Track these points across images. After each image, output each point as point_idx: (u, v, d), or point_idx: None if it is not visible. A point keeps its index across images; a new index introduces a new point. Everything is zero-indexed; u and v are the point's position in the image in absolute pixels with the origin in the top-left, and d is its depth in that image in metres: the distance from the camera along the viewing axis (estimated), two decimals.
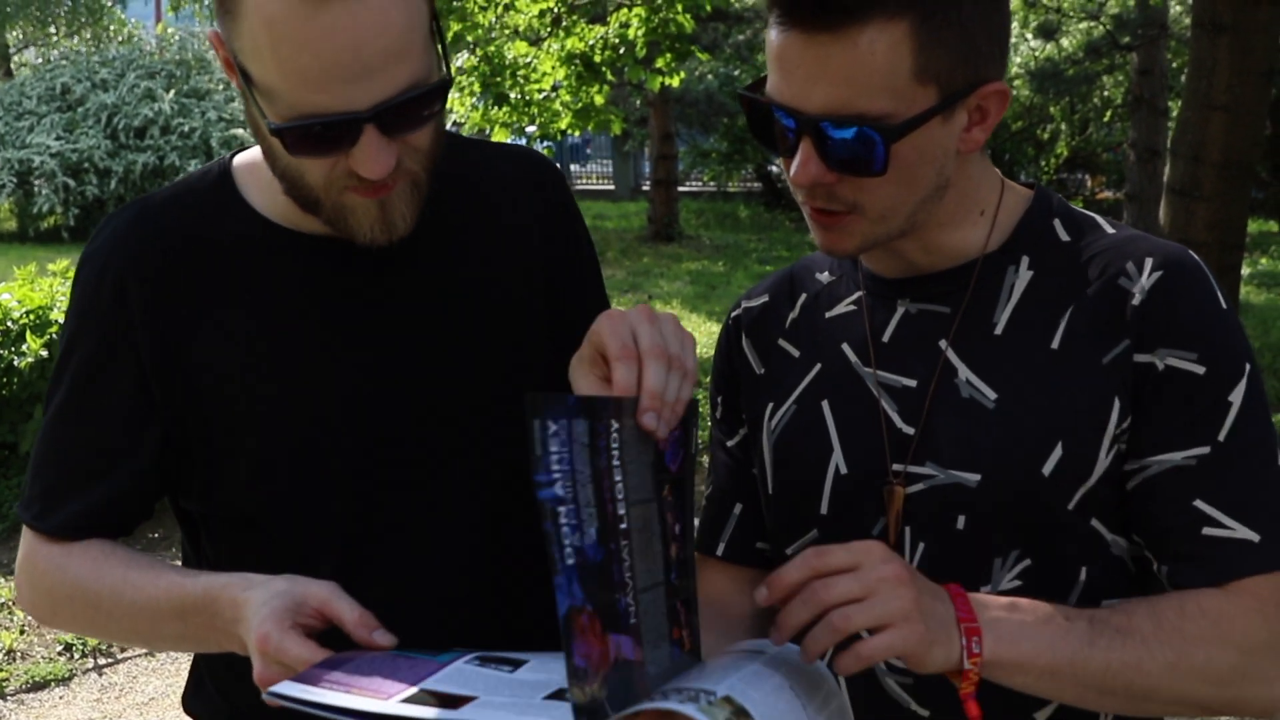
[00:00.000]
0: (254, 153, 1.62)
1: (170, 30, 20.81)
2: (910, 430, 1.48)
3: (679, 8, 9.96)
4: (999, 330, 1.47)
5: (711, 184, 24.54)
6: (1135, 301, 1.40)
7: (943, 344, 1.48)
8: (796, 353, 1.60)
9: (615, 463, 1.29)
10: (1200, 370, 1.38)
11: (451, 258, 1.63)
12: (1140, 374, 1.40)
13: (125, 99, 19.74)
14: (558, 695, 1.26)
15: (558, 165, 1.84)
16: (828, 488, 1.53)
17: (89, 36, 29.70)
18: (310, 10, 1.30)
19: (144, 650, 5.34)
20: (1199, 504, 1.38)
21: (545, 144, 11.77)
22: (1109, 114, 19.23)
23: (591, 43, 10.56)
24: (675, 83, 10.49)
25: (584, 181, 30.12)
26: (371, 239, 1.49)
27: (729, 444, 1.69)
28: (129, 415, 1.57)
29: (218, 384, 1.55)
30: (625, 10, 10.47)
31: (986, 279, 1.49)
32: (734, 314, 1.69)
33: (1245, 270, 14.44)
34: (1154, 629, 1.33)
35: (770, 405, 1.60)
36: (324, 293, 1.57)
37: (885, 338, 1.53)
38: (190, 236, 1.57)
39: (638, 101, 21.95)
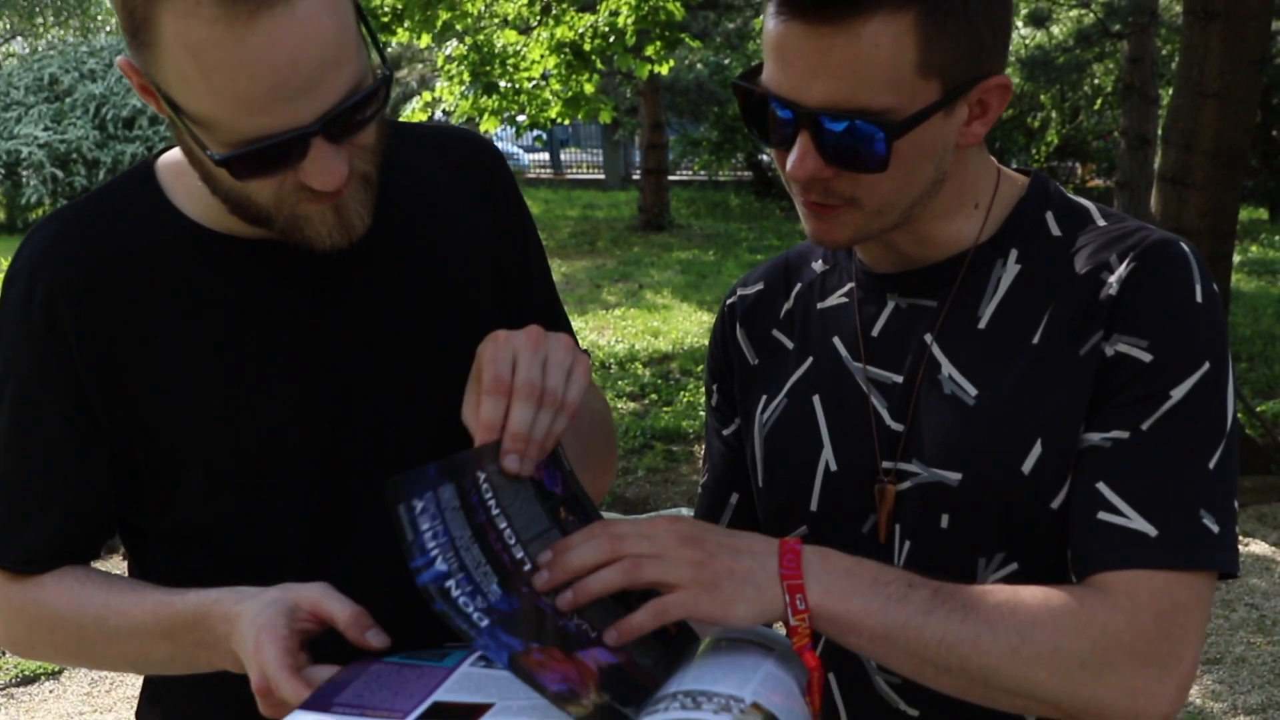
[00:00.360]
0: (176, 154, 1.54)
1: None
2: (899, 428, 1.45)
3: None
4: (982, 325, 1.43)
5: (702, 173, 24.52)
6: (1110, 292, 1.36)
7: (928, 338, 1.46)
8: (790, 344, 1.58)
9: (495, 512, 1.29)
10: (1147, 359, 1.33)
11: (396, 253, 1.57)
12: (1103, 361, 1.36)
13: (113, 89, 19.68)
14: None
15: (495, 144, 1.77)
16: (817, 485, 1.51)
17: (76, 26, 29.58)
18: (238, 33, 1.22)
19: None
20: (1100, 487, 1.32)
21: (536, 133, 11.75)
22: (1100, 102, 19.24)
23: (581, 31, 10.52)
24: (665, 70, 10.46)
25: (574, 171, 30.09)
26: (331, 244, 1.43)
27: (725, 433, 1.67)
28: (74, 439, 1.50)
29: (161, 399, 1.48)
30: None
31: (974, 272, 1.46)
32: (729, 301, 1.67)
33: (1236, 258, 14.45)
34: (1006, 608, 1.27)
35: (763, 398, 1.58)
36: (262, 298, 1.50)
37: (875, 332, 1.50)
38: (117, 248, 1.49)
39: (628, 90, 21.92)
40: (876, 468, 1.46)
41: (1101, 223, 1.45)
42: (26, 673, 5.22)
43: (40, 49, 23.14)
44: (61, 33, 28.10)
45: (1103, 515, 1.31)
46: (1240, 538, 6.54)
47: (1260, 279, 14.14)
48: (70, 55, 20.58)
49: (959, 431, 1.40)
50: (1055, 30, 18.01)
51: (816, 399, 1.52)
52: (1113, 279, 1.36)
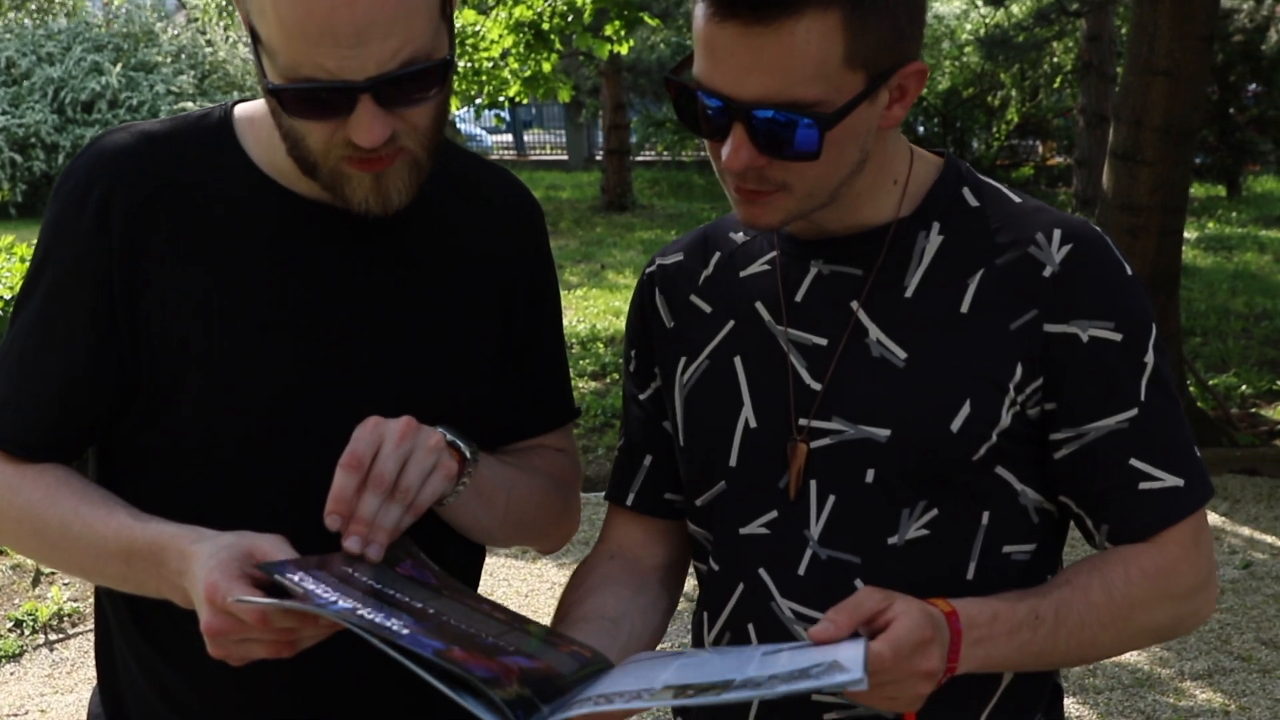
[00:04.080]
0: (255, 105, 1.64)
1: (118, 3, 20.56)
2: (817, 386, 1.52)
3: None
4: (909, 293, 1.52)
5: (665, 153, 24.53)
6: (1046, 273, 1.47)
7: (854, 305, 1.53)
8: (709, 309, 1.64)
9: (378, 586, 1.37)
10: (1118, 338, 1.47)
11: (432, 256, 1.65)
12: (1054, 343, 1.47)
13: (72, 73, 19.53)
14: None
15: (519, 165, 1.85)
16: (737, 441, 1.57)
17: (34, 9, 29.31)
18: None
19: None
20: (1134, 462, 1.49)
21: (495, 112, 11.74)
22: (1059, 80, 19.34)
23: (539, 10, 10.52)
24: (624, 50, 10.47)
25: (537, 152, 30.04)
26: (366, 208, 1.52)
27: (641, 397, 1.72)
28: (93, 338, 1.57)
29: (181, 323, 1.55)
30: None
31: (898, 243, 1.53)
32: (649, 270, 1.73)
33: (1192, 234, 14.60)
34: (1106, 602, 1.47)
35: (683, 360, 1.64)
36: (303, 255, 1.59)
37: (798, 297, 1.57)
38: (179, 172, 1.58)
39: (590, 71, 21.90)
40: (793, 425, 1.53)
41: (1016, 200, 1.56)
42: None
43: None
44: (19, 16, 27.84)
45: (1144, 485, 1.49)
46: None
47: (1216, 255, 14.28)
48: (28, 39, 20.39)
49: (889, 391, 1.49)
50: (1015, 9, 18.09)
51: (738, 360, 1.58)
52: (1048, 259, 1.47)
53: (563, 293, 12.01)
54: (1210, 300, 11.27)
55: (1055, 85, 19.47)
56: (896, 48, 1.41)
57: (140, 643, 1.66)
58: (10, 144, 18.87)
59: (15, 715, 4.80)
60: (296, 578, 1.33)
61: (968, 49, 18.05)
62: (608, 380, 9.22)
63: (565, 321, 10.01)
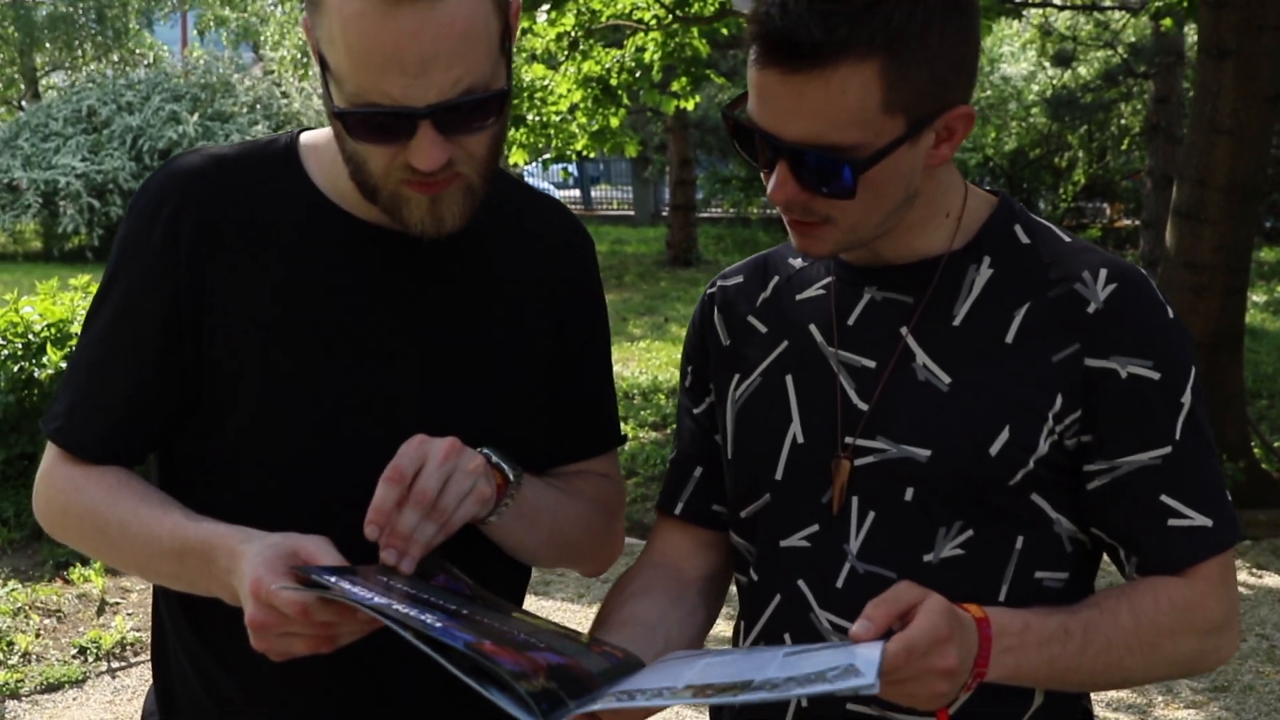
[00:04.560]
0: (319, 133, 1.72)
1: (196, 54, 21.04)
2: (864, 406, 1.58)
3: (695, 33, 10.08)
4: (957, 322, 1.57)
5: (731, 210, 24.63)
6: (1090, 309, 1.53)
7: (904, 330, 1.58)
8: (764, 329, 1.70)
9: (413, 591, 1.43)
10: (1156, 376, 1.52)
11: (484, 284, 1.72)
12: (1094, 377, 1.52)
13: (150, 121, 19.97)
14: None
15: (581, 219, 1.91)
16: (784, 456, 1.62)
17: (116, 59, 30.00)
18: (384, 9, 1.43)
19: None
20: (1164, 499, 1.54)
21: (562, 166, 11.88)
22: (1127, 142, 19.28)
23: (608, 66, 10.66)
24: (691, 106, 10.59)
25: (604, 207, 30.26)
26: (422, 230, 1.59)
27: (695, 411, 1.78)
28: (160, 347, 1.65)
29: (242, 338, 1.63)
30: (642, 35, 10.58)
31: (950, 274, 1.59)
32: (709, 291, 1.80)
33: (1261, 297, 14.47)
34: (1134, 627, 1.51)
35: (736, 376, 1.70)
36: (359, 276, 1.66)
37: (850, 321, 1.62)
38: (247, 192, 1.67)
39: (657, 128, 22.09)
40: (839, 443, 1.58)
41: (1066, 239, 1.62)
42: (51, 680, 5.33)
43: (79, 81, 23.48)
44: (100, 66, 28.50)
45: (1173, 521, 1.53)
46: (1255, 569, 6.59)
47: None
48: (108, 88, 20.89)
49: (931, 414, 1.54)
50: (1082, 70, 18.09)
51: (789, 378, 1.64)
52: (1093, 296, 1.53)
53: (626, 344, 12.11)
54: (1278, 363, 11.16)
55: (1123, 147, 19.41)
56: (940, 93, 1.47)
57: (189, 636, 1.72)
58: (89, 190, 19.29)
59: None
60: (333, 579, 1.38)
61: (1034, 110, 18.04)
62: (668, 431, 9.26)
63: (628, 373, 10.10)
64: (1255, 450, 7.59)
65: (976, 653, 1.39)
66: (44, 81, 31.55)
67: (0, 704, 5.17)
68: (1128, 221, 20.16)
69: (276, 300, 1.64)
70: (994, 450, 1.52)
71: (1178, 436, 1.53)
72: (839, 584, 1.57)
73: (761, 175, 1.55)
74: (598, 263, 1.87)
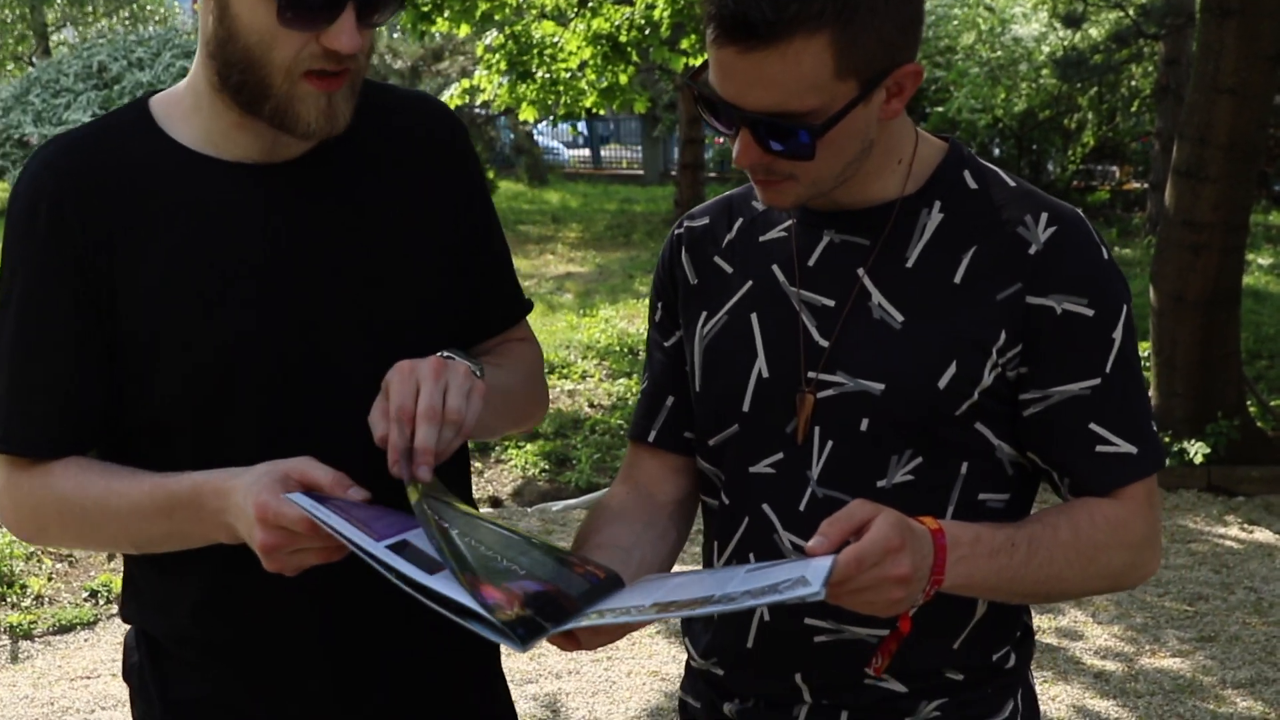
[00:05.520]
0: (169, 91, 1.76)
1: None
2: (825, 343, 1.68)
3: None
4: (910, 263, 1.68)
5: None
6: (1031, 251, 1.64)
7: (860, 271, 1.69)
8: (730, 269, 1.79)
9: (446, 525, 1.50)
10: (1090, 313, 1.63)
11: (369, 191, 1.77)
12: (1033, 314, 1.63)
13: (160, 77, 19.97)
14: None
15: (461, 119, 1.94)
16: (750, 389, 1.72)
17: (126, 16, 30.00)
18: None
19: None
20: (1093, 426, 1.65)
21: (570, 124, 11.92)
22: (1137, 104, 19.22)
23: (617, 23, 10.70)
24: (700, 63, 10.61)
25: (614, 166, 30.27)
26: (315, 130, 1.64)
27: (665, 344, 1.87)
28: (77, 332, 1.67)
29: (145, 300, 1.67)
30: None
31: (903, 218, 1.69)
32: (677, 231, 1.89)
33: (1266, 260, 14.49)
34: (1072, 541, 1.62)
35: (704, 314, 1.79)
36: (239, 214, 1.70)
37: (810, 261, 1.72)
38: (113, 162, 1.69)
39: (666, 86, 22.07)
40: (801, 377, 1.68)
41: (1011, 183, 1.72)
42: (63, 622, 5.46)
43: (90, 37, 23.52)
44: (111, 22, 28.51)
45: (1100, 448, 1.65)
46: (1246, 525, 6.68)
47: None
48: (119, 44, 20.90)
49: (885, 350, 1.65)
50: (1093, 32, 18.03)
51: (754, 316, 1.74)
52: (1034, 239, 1.64)
53: (632, 302, 12.15)
54: (1278, 325, 11.20)
55: (1133, 109, 19.35)
56: (889, 54, 1.57)
57: (152, 571, 1.80)
58: None
59: (89, 677, 5.02)
60: (322, 514, 1.46)
61: (1044, 71, 17.98)
62: None
63: (633, 329, 10.16)
64: (1250, 408, 7.65)
65: (932, 562, 1.48)
66: (54, 38, 31.54)
67: (14, 644, 5.31)
68: (1137, 184, 20.13)
69: (177, 260, 1.67)
70: (942, 384, 1.63)
71: (1108, 370, 1.64)
72: (801, 508, 1.68)
73: (728, 139, 1.65)
74: (471, 144, 1.92)
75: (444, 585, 1.41)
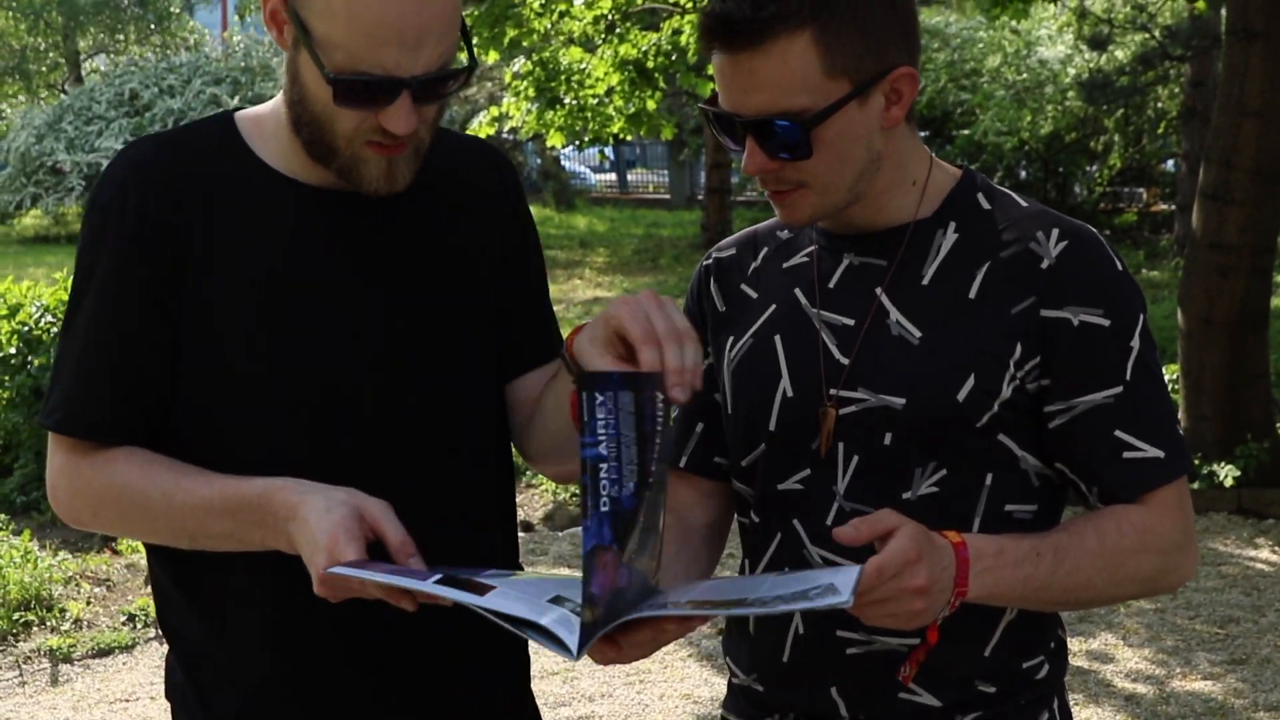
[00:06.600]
0: (254, 110, 1.82)
1: (236, 38, 21.25)
2: (845, 360, 1.74)
3: None
4: (926, 281, 1.74)
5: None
6: (1044, 265, 1.69)
7: (878, 290, 1.75)
8: (755, 295, 1.87)
9: (659, 428, 1.53)
10: (1106, 323, 1.68)
11: (431, 233, 1.83)
12: (1049, 327, 1.68)
13: (191, 105, 20.20)
14: (556, 601, 1.49)
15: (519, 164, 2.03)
16: (776, 409, 1.78)
17: (158, 43, 30.30)
18: None
19: None
20: (1118, 433, 1.69)
21: (598, 149, 12.00)
22: (1163, 126, 19.19)
23: (644, 49, 10.78)
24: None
25: (640, 191, 30.38)
26: (376, 189, 1.71)
27: None
28: (149, 325, 1.72)
29: (211, 305, 1.72)
30: (677, 18, 10.68)
31: (918, 239, 1.76)
32: (705, 263, 1.96)
33: None
34: (1099, 548, 1.66)
35: (731, 338, 1.86)
36: (317, 238, 1.76)
37: (831, 284, 1.79)
38: (201, 171, 1.75)
39: (693, 110, 22.16)
40: (824, 394, 1.75)
41: (1023, 204, 1.79)
42: (102, 646, 5.52)
43: (121, 65, 23.76)
44: (142, 49, 28.80)
45: (1127, 454, 1.68)
46: (1277, 547, 6.68)
47: None
48: (151, 71, 21.14)
49: (904, 365, 1.72)
50: (1119, 54, 18.02)
51: (778, 338, 1.81)
52: (1046, 253, 1.70)
53: None
54: None
55: (1160, 131, 19.32)
56: (878, 55, 1.64)
57: (176, 589, 1.83)
58: None
59: (128, 700, 5.09)
60: (377, 576, 1.51)
61: (1070, 93, 17.98)
62: None
63: None
64: (1279, 428, 7.65)
65: (955, 574, 1.53)
66: (87, 65, 31.88)
67: (54, 668, 5.38)
68: (1164, 206, 20.07)
69: (246, 273, 1.73)
70: (961, 396, 1.68)
71: (1128, 377, 1.68)
72: (828, 521, 1.73)
73: (737, 157, 1.73)
74: (525, 196, 1.98)
75: (498, 603, 1.46)
